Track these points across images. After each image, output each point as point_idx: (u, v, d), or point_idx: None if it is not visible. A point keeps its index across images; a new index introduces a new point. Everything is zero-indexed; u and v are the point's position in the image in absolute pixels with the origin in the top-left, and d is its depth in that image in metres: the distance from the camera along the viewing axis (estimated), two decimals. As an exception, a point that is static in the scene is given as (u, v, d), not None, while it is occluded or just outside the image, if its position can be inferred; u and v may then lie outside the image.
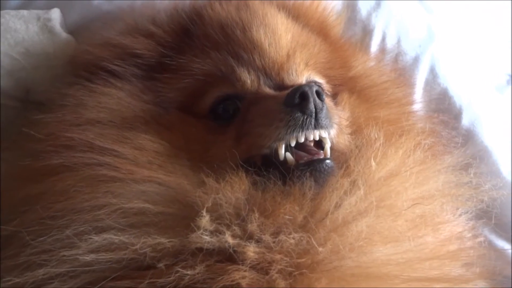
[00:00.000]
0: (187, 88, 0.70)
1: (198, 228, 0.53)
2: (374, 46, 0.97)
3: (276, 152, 0.61)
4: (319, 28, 0.82)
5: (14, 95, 0.79)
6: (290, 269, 0.52)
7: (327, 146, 0.63)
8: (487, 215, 0.85)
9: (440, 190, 0.65)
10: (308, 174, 0.59)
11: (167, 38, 0.74)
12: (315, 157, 0.61)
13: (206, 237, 0.53)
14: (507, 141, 0.97)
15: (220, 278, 0.51)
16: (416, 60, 0.97)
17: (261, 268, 0.53)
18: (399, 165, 0.64)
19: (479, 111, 0.97)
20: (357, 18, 0.98)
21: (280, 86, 0.69)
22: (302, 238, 0.54)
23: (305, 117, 0.60)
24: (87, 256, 0.54)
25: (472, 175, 0.71)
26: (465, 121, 0.95)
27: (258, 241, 0.54)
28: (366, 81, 0.82)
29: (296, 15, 0.80)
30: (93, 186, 0.59)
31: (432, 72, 0.98)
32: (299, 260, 0.53)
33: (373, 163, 0.62)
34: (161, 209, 0.57)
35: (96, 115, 0.66)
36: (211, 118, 0.69)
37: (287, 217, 0.55)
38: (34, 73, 0.76)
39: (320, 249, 0.54)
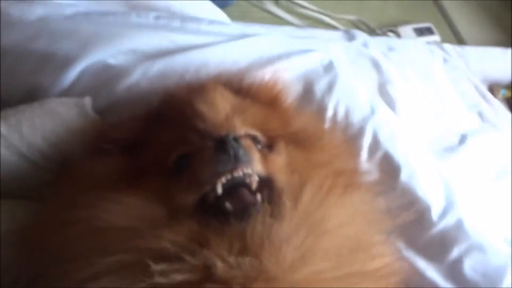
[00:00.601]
0: (155, 155, 0.88)
1: (155, 272, 0.64)
2: (327, 119, 1.21)
3: (216, 194, 0.76)
4: (266, 100, 1.01)
5: (56, 160, 1.02)
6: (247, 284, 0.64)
7: (254, 177, 0.79)
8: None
9: (360, 214, 0.82)
10: (240, 215, 0.73)
11: (138, 125, 0.96)
12: (248, 203, 0.74)
13: (161, 279, 0.64)
14: (440, 193, 1.17)
15: None
16: (360, 130, 1.21)
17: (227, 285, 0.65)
18: (314, 196, 0.79)
19: (415, 168, 1.18)
20: (314, 99, 1.23)
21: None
22: (251, 260, 0.66)
23: (225, 156, 0.75)
24: None
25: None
26: (403, 176, 1.16)
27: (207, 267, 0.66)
28: (302, 134, 0.98)
29: (244, 92, 1.01)
30: (90, 235, 0.73)
31: (375, 139, 1.21)
32: (253, 279, 0.65)
33: (285, 200, 0.76)
34: (131, 257, 0.68)
35: (91, 180, 0.86)
36: (174, 173, 0.82)
37: (224, 247, 0.67)
38: (72, 145, 1.00)
39: (268, 265, 0.65)
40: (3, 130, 1.00)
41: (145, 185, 0.83)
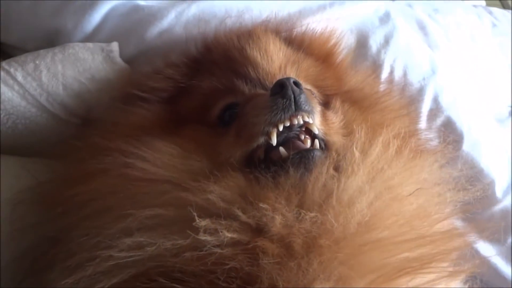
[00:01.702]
0: (198, 104, 0.82)
1: (200, 229, 0.59)
2: (384, 78, 1.08)
3: (269, 144, 0.68)
4: (320, 54, 0.93)
5: (78, 113, 0.92)
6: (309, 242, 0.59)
7: (315, 131, 0.71)
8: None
9: (428, 184, 0.73)
10: (298, 162, 0.66)
11: (177, 73, 0.87)
12: (304, 148, 0.68)
13: (207, 237, 0.58)
14: (504, 167, 1.07)
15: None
16: (420, 91, 1.09)
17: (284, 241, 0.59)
18: (382, 155, 0.71)
19: (478, 137, 1.07)
20: (368, 54, 1.10)
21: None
22: (315, 217, 0.60)
23: (285, 101, 0.68)
24: (121, 254, 0.59)
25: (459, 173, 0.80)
26: (466, 145, 1.05)
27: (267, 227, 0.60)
28: (358, 93, 0.91)
29: (296, 43, 0.92)
30: (122, 185, 0.67)
31: (435, 102, 1.09)
32: (315, 235, 0.59)
33: (355, 151, 0.69)
34: (171, 211, 0.63)
35: (126, 129, 0.79)
36: (219, 125, 0.78)
37: (282, 202, 0.61)
38: (98, 95, 0.90)
39: (335, 224, 0.59)
40: (20, 77, 0.89)
41: (187, 135, 0.76)
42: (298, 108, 0.69)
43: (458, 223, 0.86)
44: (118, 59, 0.94)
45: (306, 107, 0.69)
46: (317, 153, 0.68)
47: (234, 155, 0.70)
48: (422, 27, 1.35)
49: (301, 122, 0.70)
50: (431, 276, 0.63)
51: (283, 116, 0.68)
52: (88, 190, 0.68)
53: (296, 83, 0.69)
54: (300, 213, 0.61)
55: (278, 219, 0.60)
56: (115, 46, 0.96)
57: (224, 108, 0.79)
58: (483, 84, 1.36)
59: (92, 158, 0.72)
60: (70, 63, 0.90)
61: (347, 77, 0.94)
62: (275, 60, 0.82)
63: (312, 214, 0.60)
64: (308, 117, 0.70)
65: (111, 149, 0.72)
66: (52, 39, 1.02)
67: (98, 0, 0.99)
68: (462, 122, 1.08)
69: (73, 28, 1.00)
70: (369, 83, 0.97)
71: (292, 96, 0.68)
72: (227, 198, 0.62)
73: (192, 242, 0.58)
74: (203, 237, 0.58)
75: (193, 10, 1.02)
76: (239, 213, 0.61)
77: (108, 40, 0.98)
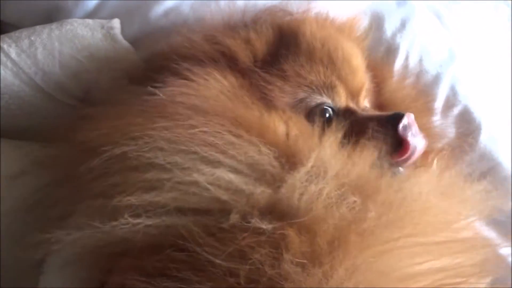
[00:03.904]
0: (293, 91, 0.78)
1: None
2: (398, 64, 1.03)
3: None
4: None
5: (74, 94, 0.87)
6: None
7: None
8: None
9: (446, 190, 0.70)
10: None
11: (264, 46, 0.82)
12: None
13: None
14: None
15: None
16: (437, 78, 1.03)
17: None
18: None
19: (496, 129, 1.01)
20: (383, 38, 1.05)
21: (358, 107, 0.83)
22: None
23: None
24: (204, 185, 0.56)
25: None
26: (483, 136, 0.99)
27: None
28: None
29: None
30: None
31: (453, 90, 1.03)
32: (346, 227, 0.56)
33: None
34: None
35: (208, 93, 0.72)
36: (308, 119, 0.77)
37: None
38: (97, 75, 0.85)
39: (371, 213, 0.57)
40: (13, 54, 0.83)
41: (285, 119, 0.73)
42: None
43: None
44: (120, 37, 0.88)
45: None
46: None
47: None
48: (438, 16, 1.29)
49: None
50: None
51: None
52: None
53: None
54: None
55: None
56: (116, 23, 0.90)
57: (317, 105, 0.78)
58: (501, 76, 1.30)
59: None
60: (68, 40, 0.85)
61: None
62: (362, 76, 0.84)
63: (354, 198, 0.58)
64: None
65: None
66: (52, 17, 0.96)
67: (97, -26, 0.94)
68: (480, 113, 1.02)
69: (73, 5, 0.95)
70: (401, 88, 0.97)
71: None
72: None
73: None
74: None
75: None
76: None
77: (112, 18, 0.92)
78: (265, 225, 0.54)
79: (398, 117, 0.74)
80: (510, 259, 0.93)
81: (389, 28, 1.06)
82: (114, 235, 0.57)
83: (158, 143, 0.60)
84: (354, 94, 0.83)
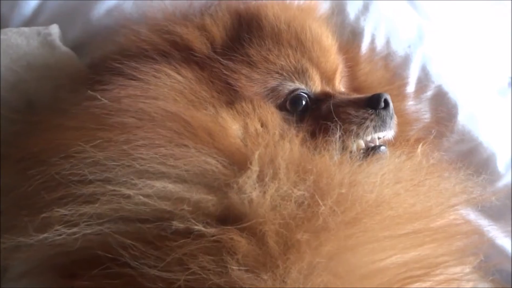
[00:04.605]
0: (262, 79, 0.73)
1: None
2: (364, 48, 0.98)
3: None
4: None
5: (15, 107, 0.80)
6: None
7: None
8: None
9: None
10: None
11: (222, 31, 0.77)
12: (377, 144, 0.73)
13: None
14: (505, 140, 0.96)
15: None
16: (406, 59, 0.98)
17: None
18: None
19: (475, 107, 0.97)
20: (346, 22, 0.99)
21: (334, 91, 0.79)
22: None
23: (388, 119, 0.72)
24: (140, 198, 0.54)
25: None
26: (461, 116, 0.95)
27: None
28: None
29: None
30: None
31: (424, 71, 0.98)
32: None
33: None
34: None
35: (158, 92, 0.67)
36: (283, 109, 0.73)
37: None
38: (36, 84, 0.79)
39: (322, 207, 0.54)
40: None
41: (245, 111, 0.69)
42: (391, 126, 0.74)
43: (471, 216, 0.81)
44: (58, 43, 0.82)
45: (392, 124, 0.74)
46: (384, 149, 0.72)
47: None
48: None
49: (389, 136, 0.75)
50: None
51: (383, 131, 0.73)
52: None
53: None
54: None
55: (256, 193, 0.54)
56: (54, 28, 0.84)
57: (290, 93, 0.74)
58: (480, 54, 1.24)
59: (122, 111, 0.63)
60: (2, 51, 0.79)
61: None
62: (332, 52, 0.80)
63: (299, 192, 0.55)
64: (390, 132, 0.75)
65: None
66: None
67: (34, -26, 0.88)
68: (456, 92, 0.97)
69: (9, 11, 0.89)
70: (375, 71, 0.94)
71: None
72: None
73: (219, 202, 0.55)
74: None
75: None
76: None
77: (52, 23, 0.87)
78: (208, 229, 0.52)
79: (378, 98, 0.72)
80: (499, 242, 0.89)
81: (352, 11, 1.01)
82: (52, 245, 0.55)
83: (94, 159, 0.57)
84: (328, 78, 0.79)
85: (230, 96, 0.71)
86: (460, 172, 0.73)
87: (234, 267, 0.50)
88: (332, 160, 0.61)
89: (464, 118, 0.95)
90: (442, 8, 1.25)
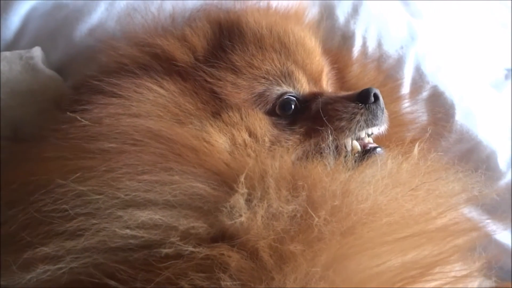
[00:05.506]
0: (248, 85, 0.72)
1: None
2: (356, 51, 0.96)
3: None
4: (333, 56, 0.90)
5: (4, 135, 0.79)
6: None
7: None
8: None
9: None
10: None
11: (203, 40, 0.76)
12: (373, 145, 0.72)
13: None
14: (505, 136, 0.95)
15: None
16: (399, 61, 0.96)
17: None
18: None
19: (472, 106, 0.95)
20: (336, 26, 0.98)
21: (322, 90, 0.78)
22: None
23: (378, 110, 0.72)
24: (126, 232, 0.53)
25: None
26: (458, 116, 0.93)
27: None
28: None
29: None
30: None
31: (418, 71, 0.97)
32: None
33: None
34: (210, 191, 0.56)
35: (140, 109, 0.66)
36: (273, 114, 0.72)
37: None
38: (21, 110, 0.77)
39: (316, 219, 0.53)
40: None
41: (232, 121, 0.69)
42: (383, 121, 0.74)
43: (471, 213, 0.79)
44: (41, 66, 0.80)
45: (383, 119, 0.74)
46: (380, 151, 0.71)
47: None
48: None
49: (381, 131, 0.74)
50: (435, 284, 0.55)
51: (374, 124, 0.72)
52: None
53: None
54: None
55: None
56: (36, 51, 0.82)
57: (279, 97, 0.73)
58: (472, 47, 1.23)
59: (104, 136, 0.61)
60: (-16, 77, 0.77)
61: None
62: (316, 53, 0.80)
63: (291, 207, 0.54)
64: (381, 127, 0.75)
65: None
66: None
67: (13, 0, 0.86)
68: (452, 91, 0.96)
69: (-10, 36, 0.87)
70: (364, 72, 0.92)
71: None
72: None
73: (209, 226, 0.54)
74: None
75: (124, -1, 0.89)
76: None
77: (34, 46, 0.85)
78: (197, 249, 0.51)
79: (367, 92, 0.72)
80: (500, 239, 0.88)
81: (341, 14, 0.99)
82: (39, 281, 0.53)
83: (76, 192, 0.55)
84: (315, 80, 0.78)
85: (216, 106, 0.69)
86: (459, 171, 0.70)
87: (227, 282, 0.49)
88: (325, 170, 0.60)
89: (462, 117, 0.93)
90: (434, 5, 1.24)
